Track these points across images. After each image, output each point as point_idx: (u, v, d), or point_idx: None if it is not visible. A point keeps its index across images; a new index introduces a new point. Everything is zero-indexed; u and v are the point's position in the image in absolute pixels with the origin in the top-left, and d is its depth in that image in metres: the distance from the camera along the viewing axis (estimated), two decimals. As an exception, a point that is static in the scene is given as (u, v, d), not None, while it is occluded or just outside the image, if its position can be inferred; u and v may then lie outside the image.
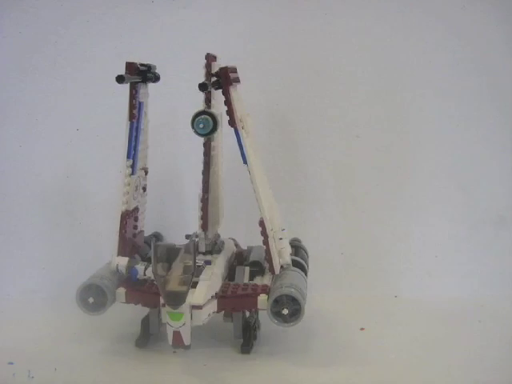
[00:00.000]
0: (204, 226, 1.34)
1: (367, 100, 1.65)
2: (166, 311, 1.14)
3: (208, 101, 1.29)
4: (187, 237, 1.43)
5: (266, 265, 1.34)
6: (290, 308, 1.19)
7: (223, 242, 1.42)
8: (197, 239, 1.37)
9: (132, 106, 1.28)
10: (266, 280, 1.31)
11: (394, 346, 1.33)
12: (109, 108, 1.57)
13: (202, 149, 1.35)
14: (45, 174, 1.58)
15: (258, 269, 1.35)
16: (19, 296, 1.54)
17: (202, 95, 1.34)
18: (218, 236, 1.44)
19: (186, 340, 1.15)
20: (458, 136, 1.67)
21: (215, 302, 1.22)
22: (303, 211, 1.63)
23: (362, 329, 1.42)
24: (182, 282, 1.12)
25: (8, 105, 1.56)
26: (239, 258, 1.44)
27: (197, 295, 1.17)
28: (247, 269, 1.35)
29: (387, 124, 1.66)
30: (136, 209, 1.37)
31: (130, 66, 1.27)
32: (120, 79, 1.22)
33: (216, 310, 1.23)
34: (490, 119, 1.67)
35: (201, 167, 1.35)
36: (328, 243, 1.65)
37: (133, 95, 1.28)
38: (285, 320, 1.20)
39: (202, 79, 1.32)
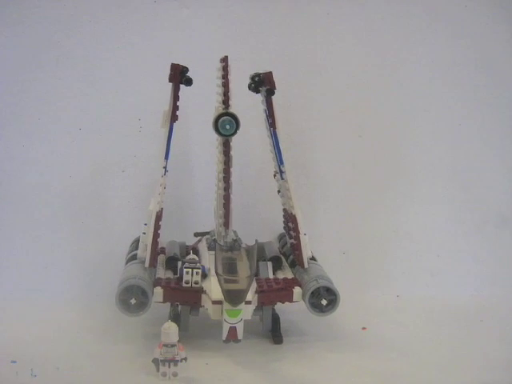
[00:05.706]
0: (226, 224, 1.36)
1: (369, 100, 1.65)
2: (224, 309, 1.18)
3: (227, 102, 1.29)
4: (196, 235, 1.44)
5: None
6: (327, 298, 1.27)
7: (240, 239, 1.44)
8: (213, 237, 1.39)
9: (175, 108, 1.26)
10: (287, 273, 1.36)
11: (395, 345, 1.33)
12: (111, 108, 1.58)
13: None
14: (47, 173, 1.58)
15: (277, 263, 1.40)
16: (21, 295, 1.53)
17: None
18: (236, 233, 1.45)
19: (240, 334, 1.19)
20: (460, 135, 1.68)
21: (256, 296, 1.26)
22: (305, 211, 1.62)
23: (363, 328, 1.42)
24: (243, 281, 1.17)
25: (10, 104, 1.56)
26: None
27: None
28: (270, 264, 1.38)
29: (389, 124, 1.66)
30: (162, 209, 1.37)
31: (176, 68, 1.24)
32: (189, 82, 1.23)
33: (256, 304, 1.27)
34: (492, 118, 1.68)
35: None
36: (330, 242, 1.65)
37: (177, 97, 1.26)
38: (321, 310, 1.28)
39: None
